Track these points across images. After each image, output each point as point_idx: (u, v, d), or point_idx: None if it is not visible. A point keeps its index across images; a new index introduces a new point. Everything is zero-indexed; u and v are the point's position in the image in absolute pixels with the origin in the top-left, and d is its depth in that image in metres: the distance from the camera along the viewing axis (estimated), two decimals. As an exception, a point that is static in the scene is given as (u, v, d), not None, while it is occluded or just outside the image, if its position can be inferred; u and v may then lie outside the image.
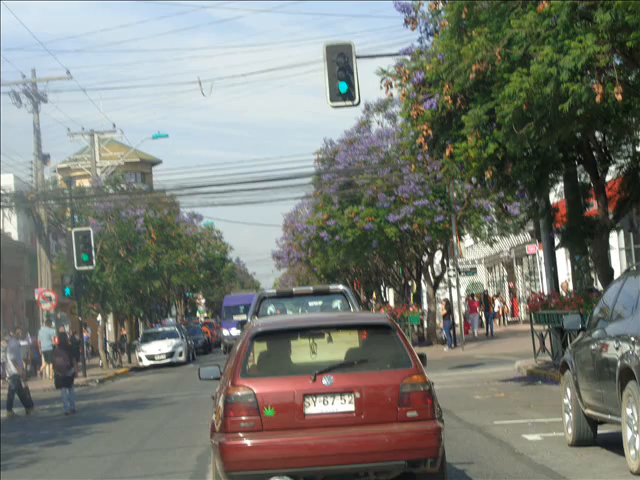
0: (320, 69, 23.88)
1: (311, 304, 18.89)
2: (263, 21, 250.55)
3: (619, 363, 10.99)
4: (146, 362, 46.17)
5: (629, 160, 21.46)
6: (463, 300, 46.47)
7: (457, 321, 42.15)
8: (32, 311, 54.20)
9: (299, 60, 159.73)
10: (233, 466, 9.21)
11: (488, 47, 15.81)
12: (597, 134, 21.07)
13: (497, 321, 54.22)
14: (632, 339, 10.77)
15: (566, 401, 13.22)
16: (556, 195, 29.33)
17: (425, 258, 44.70)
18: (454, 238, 37.21)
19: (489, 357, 32.77)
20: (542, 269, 38.98)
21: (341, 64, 20.25)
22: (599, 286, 23.92)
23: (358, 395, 9.30)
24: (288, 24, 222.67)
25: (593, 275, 25.11)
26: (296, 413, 9.27)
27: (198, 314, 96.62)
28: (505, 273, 62.44)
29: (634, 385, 10.55)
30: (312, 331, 9.93)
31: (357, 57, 20.60)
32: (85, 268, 40.44)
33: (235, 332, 54.04)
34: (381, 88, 20.25)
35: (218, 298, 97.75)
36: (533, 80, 15.05)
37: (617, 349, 11.17)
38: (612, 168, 22.04)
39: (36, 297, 43.60)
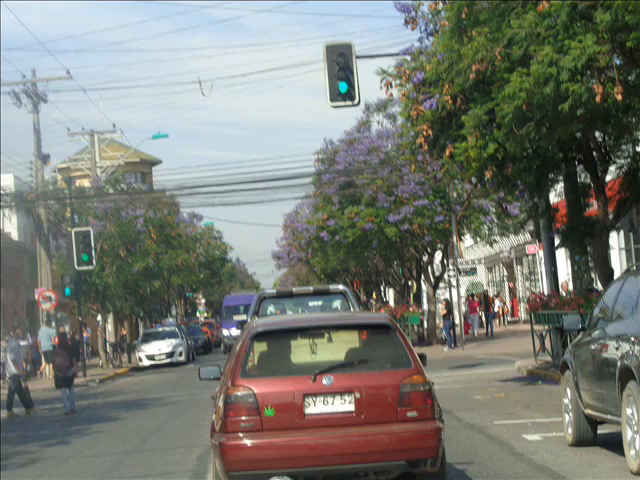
0: (320, 69, 23.91)
1: (311, 304, 18.89)
2: (263, 21, 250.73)
3: (619, 363, 10.99)
4: (146, 362, 46.17)
5: (629, 160, 21.46)
6: (463, 300, 46.47)
7: (457, 321, 42.15)
8: (32, 311, 54.20)
9: (299, 60, 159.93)
10: (233, 466, 9.21)
11: (488, 47, 15.81)
12: (597, 134, 21.06)
13: (497, 321, 54.22)
14: (632, 339, 10.78)
15: (566, 401, 13.23)
16: (556, 195, 29.33)
17: (425, 258, 44.70)
18: (454, 238, 37.21)
19: (489, 357, 32.77)
20: (542, 269, 38.99)
21: (341, 64, 20.25)
22: (599, 286, 23.92)
23: (358, 395, 9.30)
24: (288, 24, 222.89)
25: (593, 275, 25.11)
26: (296, 413, 9.27)
27: (198, 314, 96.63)
28: (505, 273, 62.45)
29: (634, 385, 10.55)
30: (312, 331, 9.93)
31: (357, 57, 20.60)
32: (85, 268, 40.44)
33: (235, 332, 54.04)
34: (381, 88, 20.26)
35: (218, 298, 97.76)
36: (533, 80, 15.05)
37: (617, 349, 11.18)
38: (612, 168, 22.04)
39: (36, 297, 43.60)
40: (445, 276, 41.75)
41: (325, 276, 63.95)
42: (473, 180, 22.20)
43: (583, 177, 22.55)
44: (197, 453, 15.13)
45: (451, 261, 39.24)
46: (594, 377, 12.07)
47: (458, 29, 16.90)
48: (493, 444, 13.89)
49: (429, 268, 45.00)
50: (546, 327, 26.10)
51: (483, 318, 50.35)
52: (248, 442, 9.18)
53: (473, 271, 51.95)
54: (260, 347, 9.79)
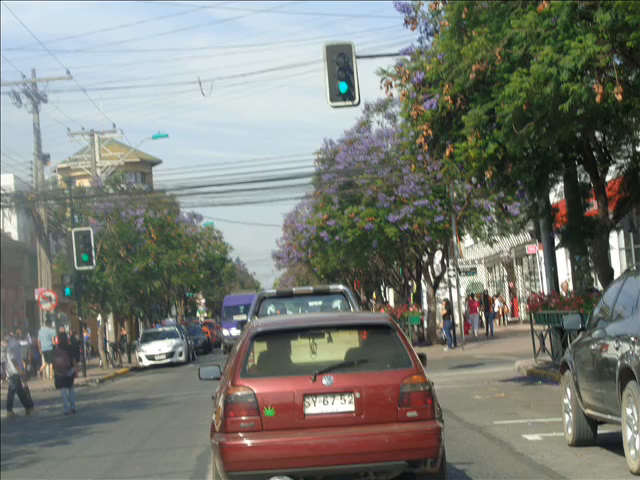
0: (320, 69, 23.92)
1: (311, 304, 18.89)
2: (263, 21, 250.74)
3: (619, 363, 10.98)
4: (146, 362, 46.17)
5: (629, 160, 21.45)
6: (463, 300, 46.47)
7: (457, 321, 42.15)
8: (32, 311, 54.20)
9: (299, 60, 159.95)
10: (233, 466, 9.21)
11: (488, 47, 15.81)
12: (597, 134, 21.06)
13: (497, 321, 54.22)
14: (632, 339, 10.77)
15: (566, 401, 13.22)
16: (556, 195, 29.33)
17: (425, 258, 44.70)
18: (454, 238, 37.21)
19: (489, 357, 32.77)
20: (542, 269, 38.99)
21: (341, 64, 20.24)
22: (599, 286, 23.92)
23: (358, 395, 9.30)
24: (288, 24, 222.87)
25: (593, 275, 25.12)
26: (296, 413, 9.27)
27: (198, 314, 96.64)
28: (505, 273, 62.44)
29: (634, 385, 10.55)
30: (312, 331, 9.93)
31: (357, 57, 20.60)
32: (85, 268, 40.44)
33: (235, 332, 54.04)
34: (381, 88, 20.26)
35: (218, 298, 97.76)
36: (533, 80, 15.05)
37: (617, 349, 11.17)
38: (612, 168, 22.04)
39: (36, 297, 43.60)
40: (445, 276, 41.75)
41: (325, 276, 63.96)
42: (473, 180, 22.21)
43: (583, 177, 22.54)
44: (197, 453, 15.13)
45: (451, 261, 39.23)
46: (594, 377, 12.07)
47: (458, 29, 16.90)
48: (493, 444, 13.89)
49: (429, 268, 45.00)
50: (546, 327, 26.09)
51: (483, 318, 50.35)
52: (248, 442, 9.18)
53: (473, 271, 51.96)
54: (260, 347, 9.79)
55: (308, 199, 47.34)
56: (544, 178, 21.24)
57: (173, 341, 47.14)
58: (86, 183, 53.10)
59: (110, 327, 54.31)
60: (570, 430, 13.00)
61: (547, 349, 26.13)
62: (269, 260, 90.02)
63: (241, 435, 9.21)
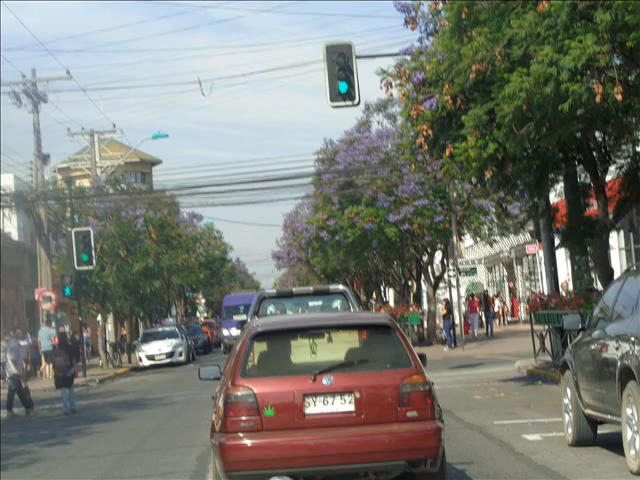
0: (320, 69, 23.91)
1: (311, 304, 18.88)
2: (263, 21, 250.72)
3: (619, 363, 10.98)
4: (146, 362, 46.17)
5: (629, 160, 21.45)
6: (463, 300, 46.47)
7: (457, 321, 42.15)
8: (32, 311, 54.20)
9: (299, 60, 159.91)
10: (233, 466, 9.21)
11: (488, 47, 15.81)
12: (597, 134, 21.06)
13: (497, 321, 54.22)
14: (632, 339, 10.77)
15: (566, 401, 13.22)
16: (556, 195, 29.32)
17: (425, 258, 44.70)
18: (454, 238, 37.21)
19: (489, 357, 32.77)
20: (542, 269, 38.99)
21: (341, 64, 20.24)
22: (599, 286, 23.92)
23: (358, 395, 9.30)
24: (288, 24, 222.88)
25: (593, 275, 25.11)
26: (296, 413, 9.26)
27: (198, 314, 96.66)
28: (505, 273, 62.44)
29: (634, 385, 10.55)
30: (312, 331, 9.93)
31: (357, 57, 20.60)
32: (85, 268, 40.44)
33: (235, 332, 54.04)
34: (381, 88, 20.26)
35: (218, 298, 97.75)
36: (533, 80, 15.05)
37: (617, 349, 11.17)
38: (612, 168, 22.04)
39: (36, 297, 43.60)
40: (445, 276, 41.75)
41: (325, 276, 63.96)
42: (473, 180, 22.21)
43: (583, 177, 22.54)
44: (197, 453, 15.13)
45: (451, 261, 39.23)
46: (594, 377, 12.07)
47: (458, 29, 16.90)
48: (493, 444, 13.89)
49: (429, 268, 45.00)
50: (546, 327, 26.09)
51: (483, 318, 50.35)
52: (248, 442, 9.18)
53: (473, 271, 51.94)
54: (260, 347, 9.79)
55: (308, 199, 47.34)
56: (544, 178, 21.24)
57: (173, 341, 47.15)
58: (86, 183, 53.10)
59: (110, 327, 54.31)
60: (570, 430, 13.00)
61: (547, 349, 26.13)
62: (269, 260, 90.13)
63: (241, 435, 9.21)
